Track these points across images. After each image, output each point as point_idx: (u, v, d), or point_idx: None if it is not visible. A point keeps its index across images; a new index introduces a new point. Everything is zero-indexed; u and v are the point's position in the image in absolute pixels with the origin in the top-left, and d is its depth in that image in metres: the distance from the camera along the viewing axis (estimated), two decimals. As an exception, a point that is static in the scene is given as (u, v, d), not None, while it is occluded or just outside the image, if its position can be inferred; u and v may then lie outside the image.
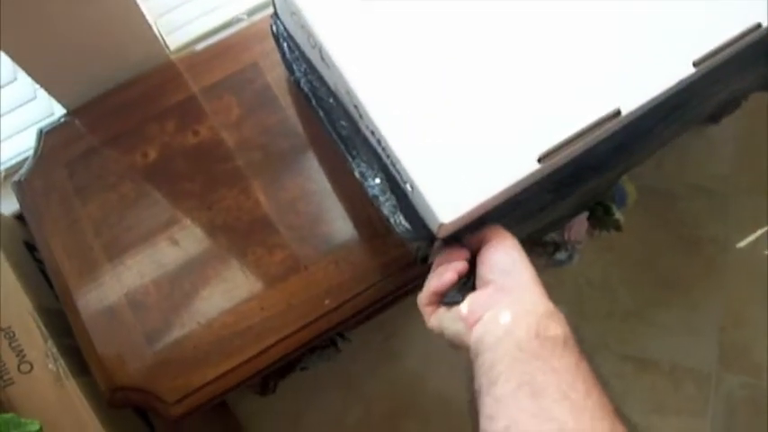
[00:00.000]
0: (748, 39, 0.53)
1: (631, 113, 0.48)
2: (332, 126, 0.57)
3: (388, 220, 0.52)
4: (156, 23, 0.78)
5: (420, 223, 0.50)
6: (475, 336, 0.42)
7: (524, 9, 0.51)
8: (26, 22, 0.63)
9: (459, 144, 0.46)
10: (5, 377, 0.71)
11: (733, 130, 1.43)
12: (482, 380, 0.40)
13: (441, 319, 0.47)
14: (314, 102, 0.58)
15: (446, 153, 0.46)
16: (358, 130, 0.53)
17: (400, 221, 0.51)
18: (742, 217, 1.39)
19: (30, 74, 0.70)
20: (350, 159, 0.55)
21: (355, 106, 0.50)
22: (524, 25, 0.51)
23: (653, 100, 0.49)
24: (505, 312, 0.41)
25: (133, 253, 0.72)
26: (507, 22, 0.51)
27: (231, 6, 0.82)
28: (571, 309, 1.25)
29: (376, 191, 0.53)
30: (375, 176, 0.52)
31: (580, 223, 1.16)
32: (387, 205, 0.52)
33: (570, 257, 1.23)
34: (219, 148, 0.74)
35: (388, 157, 0.48)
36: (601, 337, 1.26)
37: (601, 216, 1.22)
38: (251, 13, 0.81)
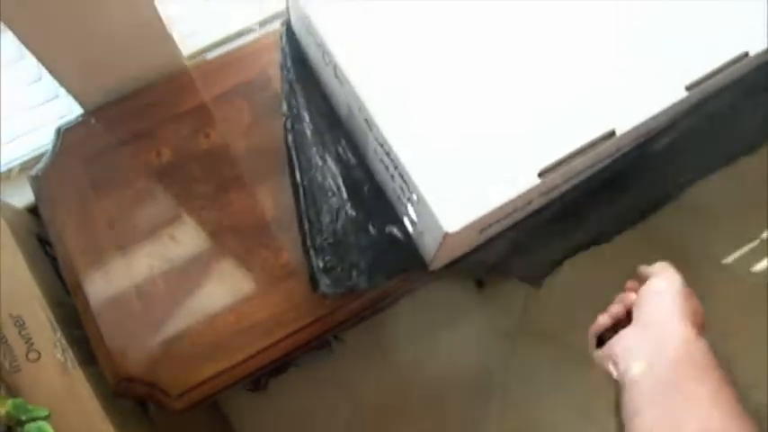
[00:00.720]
0: (738, 66, 0.56)
1: (625, 134, 0.52)
2: (299, 153, 0.60)
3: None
4: (172, 31, 0.81)
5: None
6: (619, 372, 0.45)
7: (526, 37, 0.54)
8: (54, 28, 0.66)
9: (465, 159, 0.50)
10: (13, 364, 0.73)
11: None
12: (626, 413, 0.42)
13: (596, 357, 0.50)
14: (289, 125, 0.62)
15: (452, 167, 0.49)
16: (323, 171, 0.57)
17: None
18: (729, 232, 1.41)
19: (54, 75, 0.73)
20: (301, 198, 0.59)
21: (366, 120, 0.53)
22: (526, 52, 0.54)
23: (646, 122, 0.52)
24: (643, 349, 0.44)
25: (144, 248, 0.74)
26: (511, 50, 0.54)
27: (243, 17, 0.85)
28: (563, 318, 1.28)
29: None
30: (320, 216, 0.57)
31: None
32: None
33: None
34: (230, 152, 0.76)
35: (395, 168, 0.51)
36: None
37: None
38: (262, 24, 0.84)
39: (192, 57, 0.86)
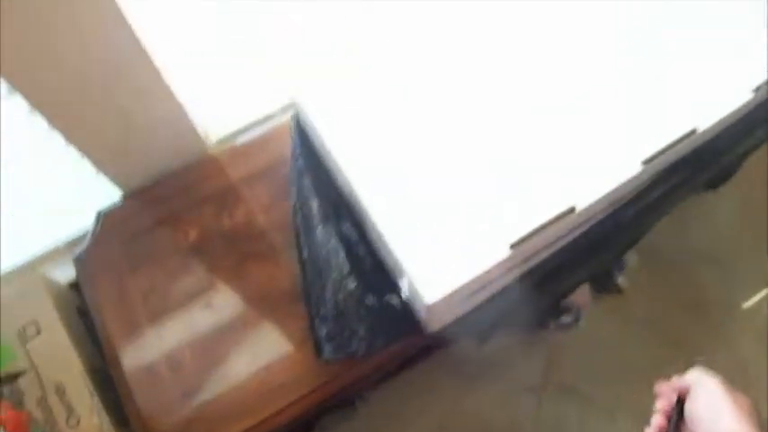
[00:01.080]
0: (688, 141, 0.63)
1: (585, 210, 0.58)
2: (306, 232, 0.68)
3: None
4: (198, 121, 0.91)
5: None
6: None
7: (493, 125, 0.62)
8: (90, 124, 0.77)
9: (444, 236, 0.57)
10: (55, 428, 0.80)
11: (733, 194, 1.47)
12: None
13: None
14: (297, 207, 0.70)
15: (433, 244, 0.56)
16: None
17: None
18: (746, 278, 1.41)
19: (93, 164, 0.83)
20: (307, 273, 0.67)
21: (358, 203, 0.61)
22: (496, 139, 0.62)
23: (605, 197, 0.59)
24: None
25: (174, 318, 0.82)
26: (482, 138, 0.62)
27: (265, 105, 0.96)
28: (585, 371, 1.30)
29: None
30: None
31: (582, 288, 1.23)
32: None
33: (576, 320, 1.29)
34: (251, 229, 0.85)
35: (385, 244, 0.59)
36: (613, 398, 1.29)
37: (602, 281, 1.28)
38: (281, 112, 0.95)
39: (220, 142, 0.97)
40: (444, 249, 0.56)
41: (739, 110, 0.67)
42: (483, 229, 0.57)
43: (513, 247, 0.56)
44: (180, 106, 0.82)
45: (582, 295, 1.23)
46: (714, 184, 1.41)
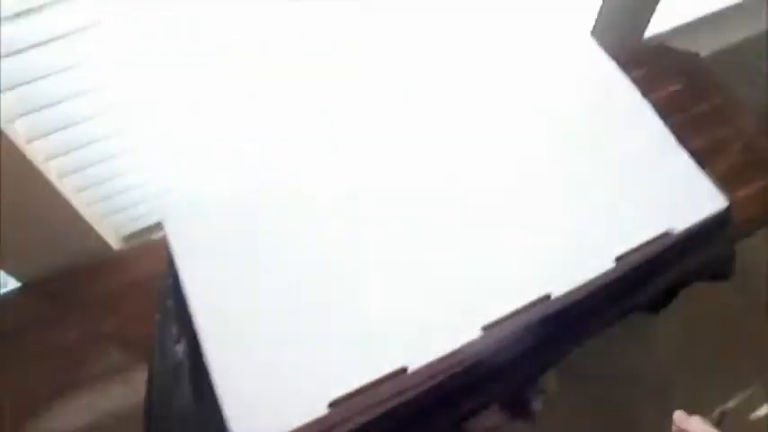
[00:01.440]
0: (537, 310, 0.63)
1: (418, 372, 0.58)
2: (160, 356, 0.69)
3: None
4: (100, 222, 0.92)
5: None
6: None
7: (331, 281, 0.64)
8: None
9: (270, 389, 0.57)
10: None
11: (671, 318, 1.47)
12: None
13: None
14: (157, 326, 0.71)
15: (256, 394, 0.57)
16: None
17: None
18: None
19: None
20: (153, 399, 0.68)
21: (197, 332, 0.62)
22: (330, 295, 0.64)
23: (441, 360, 0.59)
24: None
25: (36, 425, 0.80)
26: (325, 299, 0.64)
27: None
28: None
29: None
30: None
31: (487, 414, 1.20)
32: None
33: (486, 447, 1.26)
34: (128, 339, 0.85)
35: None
36: None
37: (512, 406, 1.26)
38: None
39: (128, 238, 0.98)
40: (269, 402, 0.57)
41: (600, 277, 0.69)
42: (303, 385, 0.57)
43: (331, 405, 0.56)
44: (72, 209, 0.83)
45: (483, 423, 1.21)
46: (654, 307, 1.42)
